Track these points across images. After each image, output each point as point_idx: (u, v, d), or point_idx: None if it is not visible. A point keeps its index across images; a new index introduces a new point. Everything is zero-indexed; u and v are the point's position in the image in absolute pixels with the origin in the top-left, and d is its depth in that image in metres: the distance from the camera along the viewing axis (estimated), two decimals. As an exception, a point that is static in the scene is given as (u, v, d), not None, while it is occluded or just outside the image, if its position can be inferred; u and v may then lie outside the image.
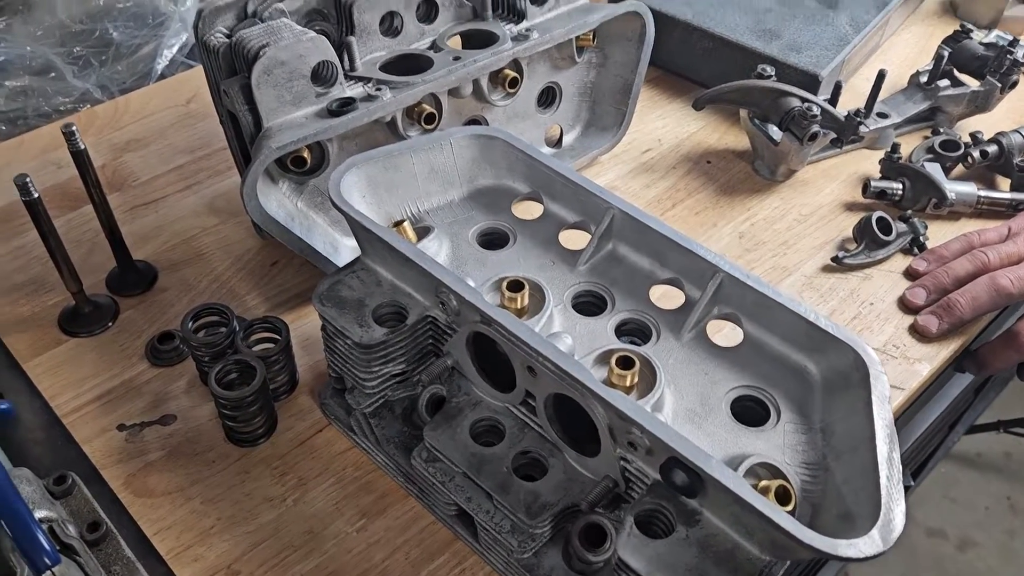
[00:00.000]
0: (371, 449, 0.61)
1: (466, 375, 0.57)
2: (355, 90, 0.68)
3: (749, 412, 0.52)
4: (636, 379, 0.51)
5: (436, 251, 0.59)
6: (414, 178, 0.62)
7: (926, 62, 0.99)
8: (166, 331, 0.67)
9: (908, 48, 1.02)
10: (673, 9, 0.91)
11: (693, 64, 0.93)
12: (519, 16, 0.75)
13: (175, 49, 0.99)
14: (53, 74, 1.01)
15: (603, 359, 0.53)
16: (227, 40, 0.66)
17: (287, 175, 0.67)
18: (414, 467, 0.56)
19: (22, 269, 0.73)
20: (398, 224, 0.60)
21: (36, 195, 0.60)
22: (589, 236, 0.60)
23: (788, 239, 0.78)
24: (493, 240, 0.62)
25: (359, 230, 0.56)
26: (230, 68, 0.66)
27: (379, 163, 0.60)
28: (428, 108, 0.70)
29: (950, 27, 1.05)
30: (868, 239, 0.76)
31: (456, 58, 0.70)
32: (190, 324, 0.63)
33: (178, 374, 0.66)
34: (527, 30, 0.73)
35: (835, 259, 0.75)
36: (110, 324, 0.69)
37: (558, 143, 0.84)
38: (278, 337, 0.63)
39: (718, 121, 0.90)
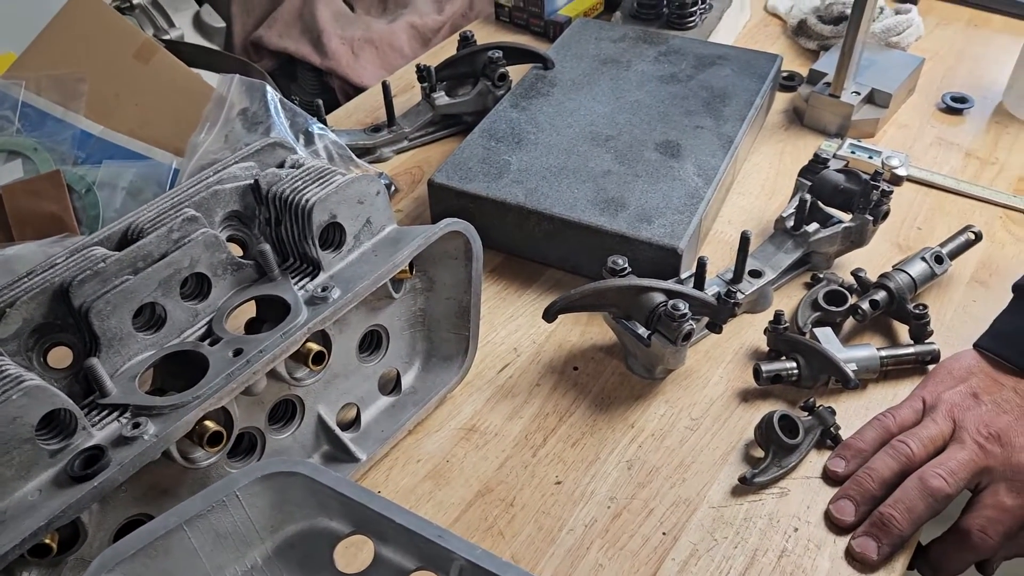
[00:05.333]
0: None
1: None
2: (107, 429, 0.52)
3: None
4: None
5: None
6: (194, 555, 0.47)
7: (784, 187, 0.92)
8: None
9: (762, 173, 0.93)
10: (502, 192, 0.80)
11: (537, 247, 0.81)
12: (314, 266, 0.62)
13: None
14: None
15: None
16: (-85, 404, 0.50)
17: (28, 566, 0.51)
18: None
19: None
20: (177, 639, 0.44)
21: None
22: (439, 583, 0.46)
23: (684, 458, 0.66)
24: (315, 614, 0.47)
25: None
26: (-76, 442, 0.49)
27: (140, 557, 0.45)
28: (212, 426, 0.54)
29: (799, 139, 0.98)
30: (775, 445, 0.65)
31: (237, 351, 0.55)
32: None
33: None
34: (324, 289, 0.59)
35: (743, 480, 0.63)
36: None
37: (396, 386, 0.70)
38: None
39: (577, 314, 0.78)
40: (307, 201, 0.60)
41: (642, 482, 0.65)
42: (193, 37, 1.30)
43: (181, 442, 0.54)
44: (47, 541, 0.49)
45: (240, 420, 0.58)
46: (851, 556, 0.59)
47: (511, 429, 0.69)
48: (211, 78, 1.16)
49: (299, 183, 0.61)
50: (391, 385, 0.71)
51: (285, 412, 0.63)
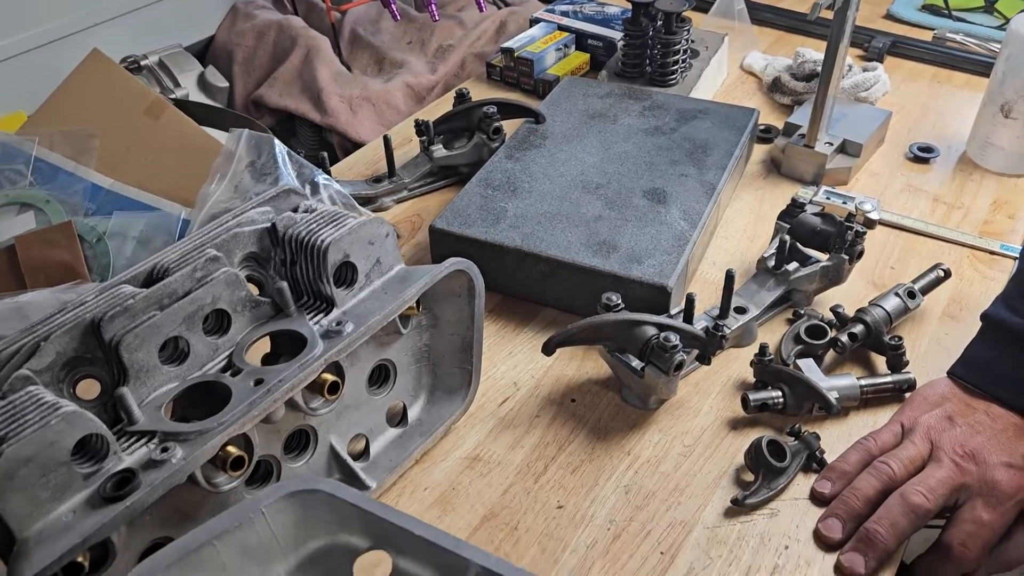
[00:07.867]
0: None
1: None
2: (137, 454, 0.55)
3: None
4: None
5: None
6: (223, 570, 0.49)
7: (765, 231, 0.97)
8: None
9: (743, 218, 0.99)
10: (500, 236, 0.84)
11: (534, 288, 0.85)
12: (328, 303, 0.65)
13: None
14: None
15: None
16: (-43, 431, 0.53)
17: (61, 585, 0.53)
18: None
19: None
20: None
21: None
22: (454, 593, 0.49)
23: (679, 482, 0.70)
24: (337, 625, 0.50)
25: None
26: (-35, 467, 0.52)
27: (174, 570, 0.47)
28: (234, 451, 0.58)
29: (778, 187, 1.04)
30: (764, 468, 0.68)
31: (258, 381, 0.59)
32: None
33: None
34: (338, 323, 0.63)
35: (735, 501, 0.67)
36: None
37: (403, 418, 0.74)
38: None
39: (573, 348, 0.82)
40: (322, 242, 0.64)
41: (639, 505, 0.68)
42: (197, 96, 1.35)
43: (205, 467, 0.57)
44: (80, 560, 0.52)
45: (259, 448, 0.61)
46: (840, 571, 0.63)
47: (513, 458, 0.72)
48: (215, 134, 1.21)
49: (314, 225, 0.66)
50: (398, 417, 0.74)
51: (300, 442, 0.66)
